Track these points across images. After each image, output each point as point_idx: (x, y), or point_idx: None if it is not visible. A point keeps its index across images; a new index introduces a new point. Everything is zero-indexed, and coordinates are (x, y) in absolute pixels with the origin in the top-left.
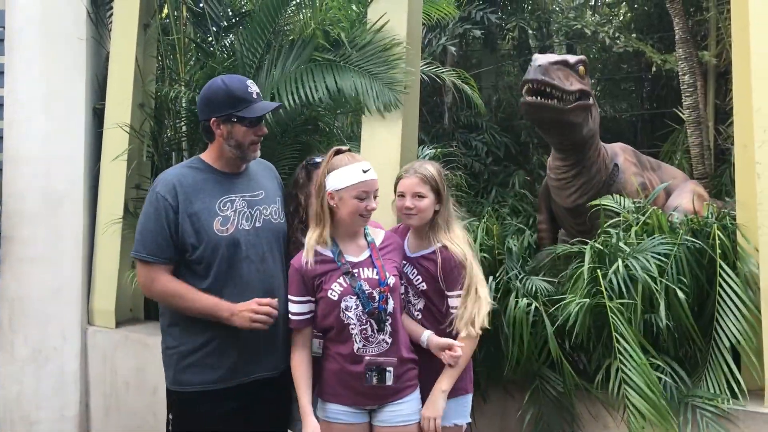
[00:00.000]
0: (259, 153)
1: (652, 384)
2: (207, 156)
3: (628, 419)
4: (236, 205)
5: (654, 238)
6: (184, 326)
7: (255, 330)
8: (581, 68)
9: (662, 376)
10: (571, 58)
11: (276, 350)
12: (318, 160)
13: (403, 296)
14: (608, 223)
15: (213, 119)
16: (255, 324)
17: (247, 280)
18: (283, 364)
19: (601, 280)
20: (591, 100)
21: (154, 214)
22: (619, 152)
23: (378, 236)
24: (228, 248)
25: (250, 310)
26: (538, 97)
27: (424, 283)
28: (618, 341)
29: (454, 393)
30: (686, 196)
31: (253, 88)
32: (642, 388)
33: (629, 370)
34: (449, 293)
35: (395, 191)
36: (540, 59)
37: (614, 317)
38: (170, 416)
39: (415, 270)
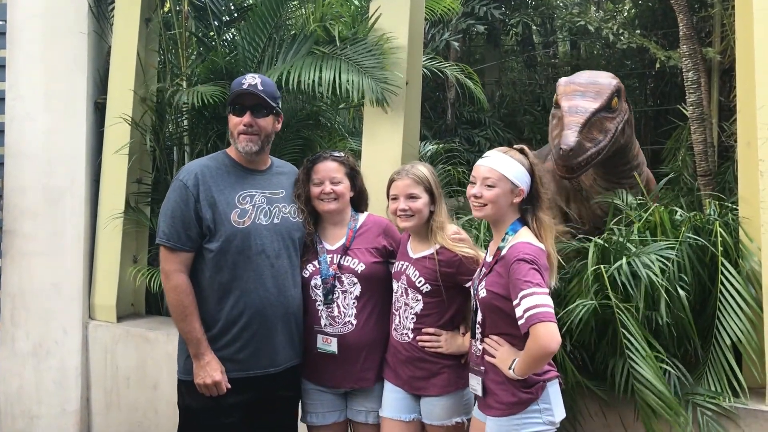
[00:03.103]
0: (254, 147)
1: (660, 379)
2: (230, 150)
3: (642, 416)
4: (255, 200)
5: (657, 240)
6: (201, 317)
7: (267, 325)
8: (614, 101)
9: (667, 368)
10: (603, 97)
11: (287, 346)
12: None
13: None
14: (614, 221)
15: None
16: (203, 389)
17: (260, 273)
18: (294, 359)
19: (606, 279)
20: (624, 122)
21: (176, 201)
22: None
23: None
24: (243, 240)
25: (213, 380)
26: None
27: (427, 285)
28: (626, 338)
29: (453, 388)
30: None
31: (248, 81)
32: (653, 384)
33: (639, 366)
34: (467, 285)
35: (388, 195)
36: (569, 137)
37: (621, 315)
38: (179, 406)
39: (417, 272)
